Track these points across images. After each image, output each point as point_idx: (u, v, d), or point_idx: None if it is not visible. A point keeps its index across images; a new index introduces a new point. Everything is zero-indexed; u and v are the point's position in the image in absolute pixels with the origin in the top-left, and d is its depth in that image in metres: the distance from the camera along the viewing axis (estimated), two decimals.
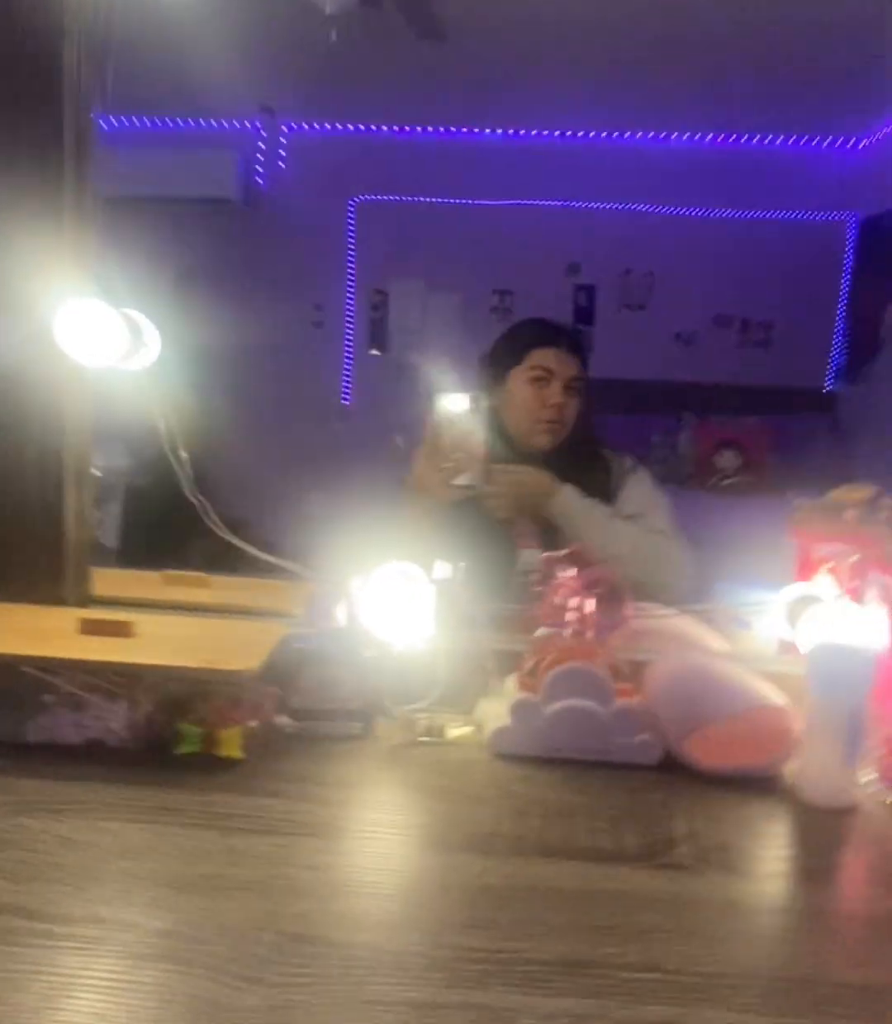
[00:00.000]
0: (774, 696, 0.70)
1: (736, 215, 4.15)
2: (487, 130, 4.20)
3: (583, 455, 1.31)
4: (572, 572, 0.79)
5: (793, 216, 4.10)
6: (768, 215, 4.11)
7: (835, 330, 4.21)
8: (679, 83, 3.45)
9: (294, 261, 4.34)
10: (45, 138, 0.72)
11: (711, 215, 4.17)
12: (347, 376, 4.52)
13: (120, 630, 0.69)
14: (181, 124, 4.25)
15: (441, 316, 4.48)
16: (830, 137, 3.99)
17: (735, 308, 4.28)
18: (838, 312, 4.19)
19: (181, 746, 0.67)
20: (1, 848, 0.54)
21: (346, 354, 4.49)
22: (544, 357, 1.28)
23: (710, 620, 0.89)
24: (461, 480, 1.10)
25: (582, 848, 0.58)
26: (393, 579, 0.75)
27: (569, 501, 1.20)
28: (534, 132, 4.19)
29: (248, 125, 4.26)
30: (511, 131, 4.20)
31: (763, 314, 4.25)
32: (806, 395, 4.20)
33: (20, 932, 0.46)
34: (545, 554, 0.84)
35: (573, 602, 0.73)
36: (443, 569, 0.82)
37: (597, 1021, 0.42)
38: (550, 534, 1.26)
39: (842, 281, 4.16)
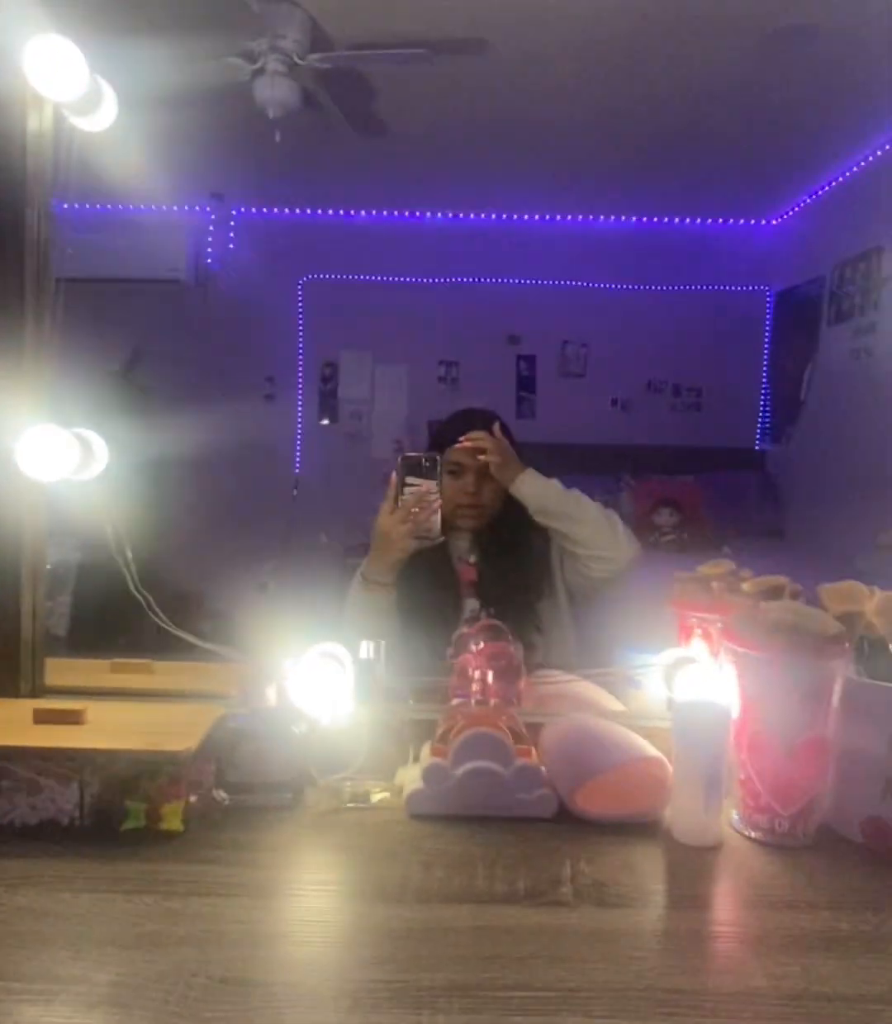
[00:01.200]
0: (649, 749, 0.81)
1: (663, 289, 4.43)
2: (428, 213, 4.42)
3: (518, 527, 1.45)
4: (481, 646, 0.90)
5: (716, 288, 4.39)
6: (693, 288, 4.40)
7: (761, 392, 4.49)
8: (608, 170, 3.72)
9: (245, 338, 4.46)
10: (8, 287, 0.83)
11: (641, 289, 4.44)
12: (299, 446, 4.63)
13: (71, 718, 0.77)
14: (134, 209, 4.37)
15: (389, 387, 4.64)
16: (746, 217, 4.32)
17: (666, 374, 4.54)
18: (762, 376, 4.47)
19: (127, 822, 0.74)
20: None
21: (298, 425, 4.60)
22: (455, 453, 1.44)
23: (607, 683, 1.01)
24: (421, 531, 1.25)
25: (478, 892, 0.68)
26: (319, 660, 0.85)
27: (533, 477, 1.40)
28: (473, 215, 4.42)
29: (199, 210, 4.41)
30: (450, 214, 4.43)
31: (692, 380, 4.52)
32: (737, 454, 4.45)
33: None
34: (459, 632, 0.95)
35: (476, 674, 0.83)
36: (367, 649, 0.93)
37: None
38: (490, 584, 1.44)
39: (764, 347, 4.45)
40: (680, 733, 0.77)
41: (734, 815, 0.80)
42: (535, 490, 1.39)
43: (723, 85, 2.82)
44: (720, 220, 4.33)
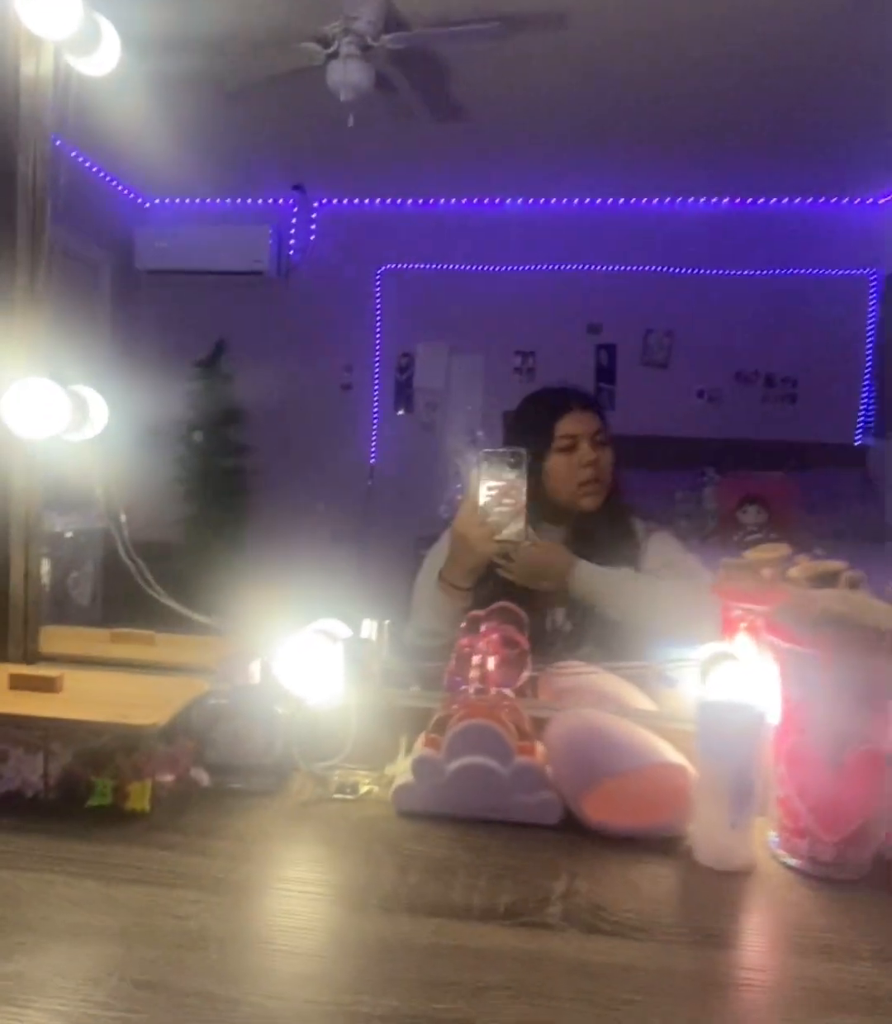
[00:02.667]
0: (670, 754, 0.70)
1: (756, 274, 4.17)
2: (508, 200, 4.32)
3: (613, 518, 1.30)
4: (490, 627, 0.81)
5: (814, 273, 4.09)
6: (789, 273, 4.12)
7: (863, 384, 4.16)
8: (697, 146, 3.52)
9: (324, 328, 4.51)
10: None
11: (731, 274, 4.20)
12: (374, 436, 4.63)
13: (47, 685, 0.74)
14: (220, 203, 4.49)
15: (464, 377, 4.58)
16: (849, 196, 3.99)
17: (758, 364, 4.27)
18: (865, 366, 4.14)
19: (92, 799, 0.70)
20: None
21: (374, 415, 4.61)
22: (566, 425, 1.29)
23: (638, 678, 0.90)
24: (504, 534, 1.12)
25: (451, 905, 0.59)
26: (309, 637, 0.79)
27: (586, 575, 1.19)
28: (553, 200, 4.29)
29: (282, 202, 4.48)
30: (531, 200, 4.31)
31: (787, 370, 4.23)
32: (835, 450, 4.13)
33: None
34: (472, 612, 0.87)
35: (476, 659, 0.74)
36: (369, 627, 0.85)
37: None
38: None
39: (867, 336, 4.12)
40: (705, 738, 0.66)
41: (772, 837, 0.69)
42: (588, 587, 1.19)
43: (822, 54, 2.59)
44: (821, 199, 4.02)
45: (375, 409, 4.61)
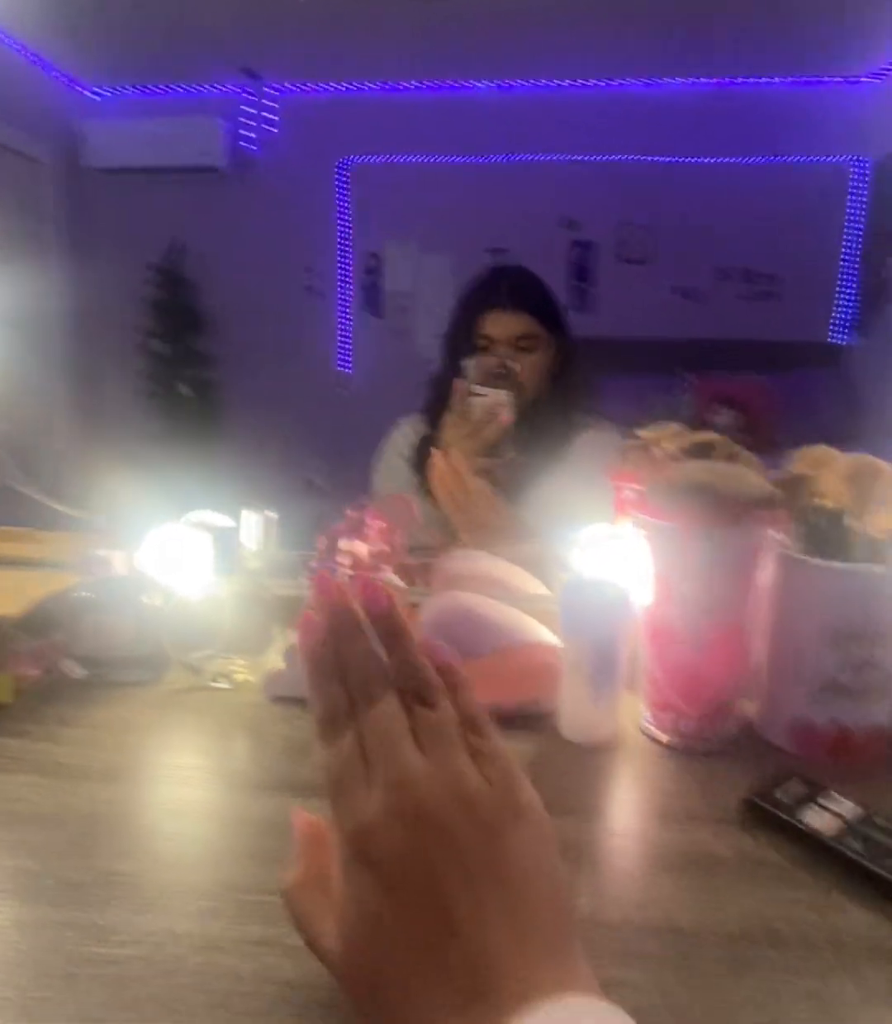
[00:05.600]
0: (540, 634, 0.69)
1: (738, 161, 4.00)
2: (480, 83, 4.09)
3: (551, 420, 1.23)
4: (375, 517, 0.79)
5: (798, 161, 3.93)
6: (771, 160, 3.96)
7: (842, 279, 4.05)
8: (674, 23, 3.31)
9: (286, 226, 4.31)
10: None
11: (712, 162, 4.03)
12: (343, 342, 4.48)
13: None
14: (166, 91, 4.20)
15: (434, 278, 4.41)
16: (836, 75, 3.78)
17: (737, 259, 4.14)
18: (843, 260, 4.02)
19: None
20: None
21: (340, 319, 4.45)
22: (484, 325, 1.22)
23: (536, 563, 0.88)
24: (489, 450, 1.10)
25: (299, 784, 0.58)
26: (176, 528, 0.76)
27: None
28: (528, 82, 4.06)
29: (232, 90, 4.19)
30: (504, 83, 4.07)
31: (767, 265, 4.11)
32: (813, 349, 4.05)
33: None
34: (359, 501, 0.84)
35: (344, 543, 0.72)
36: (246, 518, 0.83)
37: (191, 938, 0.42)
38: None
39: (847, 228, 3.99)
40: (566, 616, 0.65)
41: (643, 713, 0.68)
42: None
43: None
44: (804, 78, 3.82)
45: (347, 315, 4.44)
